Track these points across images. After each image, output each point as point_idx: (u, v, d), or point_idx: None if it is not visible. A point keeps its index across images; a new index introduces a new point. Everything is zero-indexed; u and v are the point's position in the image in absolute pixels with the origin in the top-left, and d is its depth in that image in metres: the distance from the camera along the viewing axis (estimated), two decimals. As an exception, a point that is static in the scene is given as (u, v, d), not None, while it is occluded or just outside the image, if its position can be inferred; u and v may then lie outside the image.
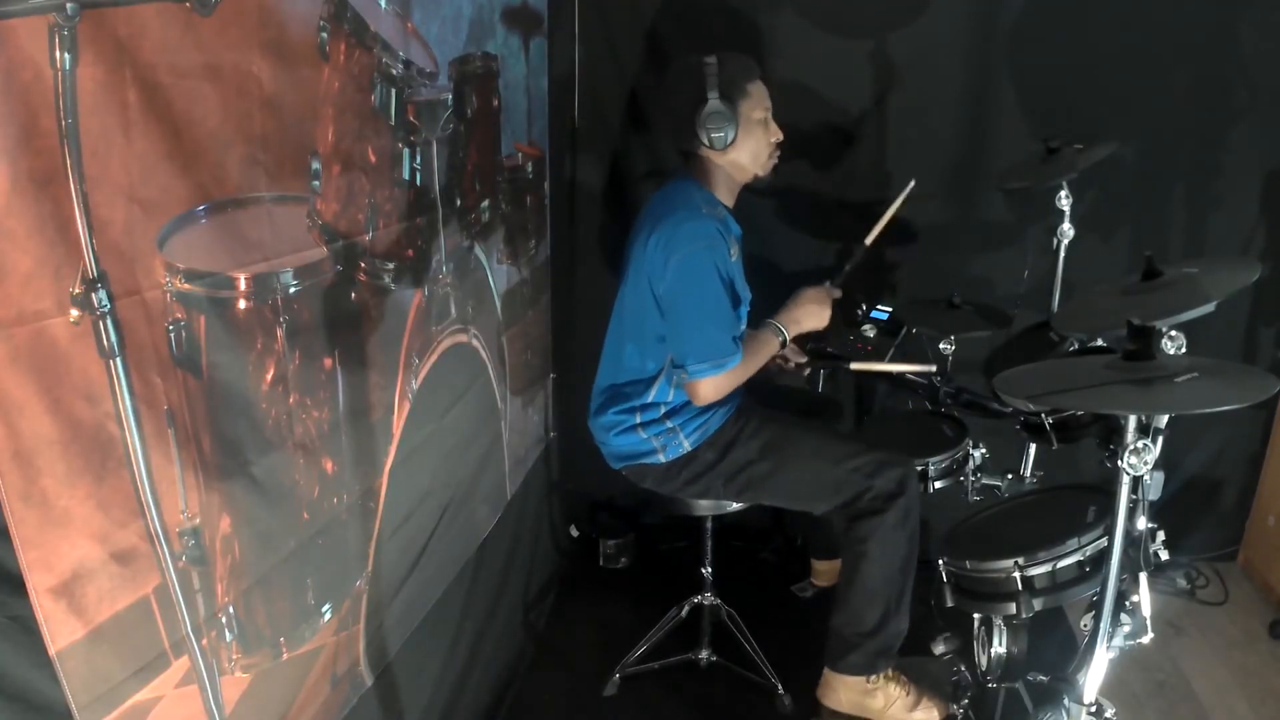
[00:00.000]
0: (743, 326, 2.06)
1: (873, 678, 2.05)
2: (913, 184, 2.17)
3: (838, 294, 2.17)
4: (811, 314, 2.11)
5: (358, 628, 1.67)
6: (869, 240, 2.20)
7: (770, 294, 2.18)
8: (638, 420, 2.08)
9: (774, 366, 2.17)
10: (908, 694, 2.09)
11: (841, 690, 2.07)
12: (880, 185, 2.76)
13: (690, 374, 1.93)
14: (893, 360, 2.18)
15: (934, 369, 2.15)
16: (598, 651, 2.52)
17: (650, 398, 2.07)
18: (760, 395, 2.22)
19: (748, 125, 1.98)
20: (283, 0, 1.30)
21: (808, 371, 2.26)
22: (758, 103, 2.00)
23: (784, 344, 2.09)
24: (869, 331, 2.24)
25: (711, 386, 1.94)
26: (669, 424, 2.06)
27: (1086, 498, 1.82)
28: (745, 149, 2.00)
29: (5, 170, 0.88)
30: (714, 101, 1.91)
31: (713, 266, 1.90)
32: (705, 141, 1.95)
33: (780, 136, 2.05)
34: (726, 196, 2.07)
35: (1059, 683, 1.59)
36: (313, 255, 1.44)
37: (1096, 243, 2.62)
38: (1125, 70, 2.57)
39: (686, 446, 2.06)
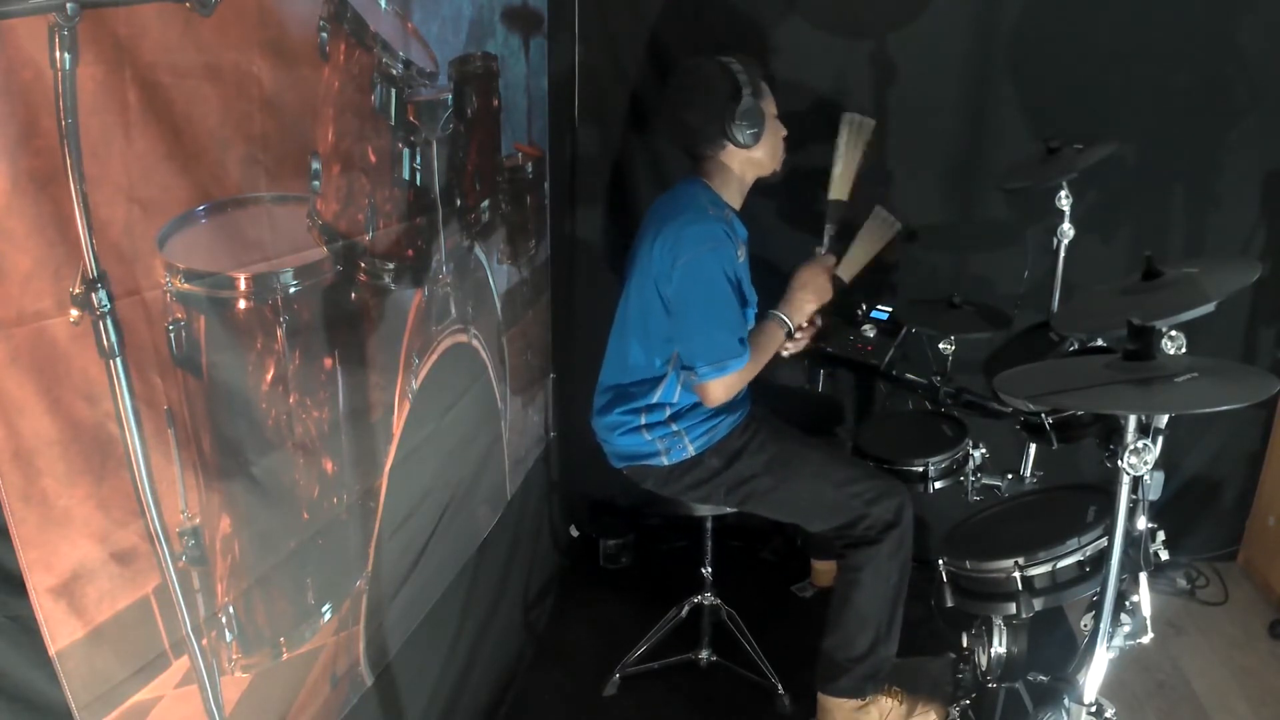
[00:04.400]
0: (750, 327, 2.06)
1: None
2: (851, 118, 2.20)
3: (832, 260, 2.13)
4: (811, 293, 2.06)
5: (358, 628, 1.67)
6: (831, 193, 2.19)
7: (772, 295, 2.18)
8: (642, 421, 2.08)
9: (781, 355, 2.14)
10: (900, 703, 2.11)
11: (836, 713, 2.09)
12: (880, 185, 2.76)
13: (700, 376, 1.93)
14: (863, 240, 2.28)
15: (899, 226, 2.26)
16: (598, 651, 2.52)
17: (656, 398, 2.06)
18: (763, 397, 2.21)
19: (768, 122, 2.00)
20: (283, 0, 1.30)
21: (806, 350, 2.22)
22: (771, 100, 2.03)
23: (790, 334, 2.07)
24: (869, 331, 2.24)
25: (722, 387, 1.94)
26: (674, 427, 2.06)
27: (1086, 498, 1.82)
28: (767, 145, 2.02)
29: (5, 170, 0.88)
30: (748, 98, 1.92)
31: (719, 269, 1.90)
32: (739, 140, 1.95)
33: (785, 133, 2.07)
34: (735, 198, 2.07)
35: (1059, 683, 1.59)
36: (313, 255, 1.44)
37: (1096, 243, 2.62)
38: (1125, 70, 2.57)
39: (691, 451, 2.06)
